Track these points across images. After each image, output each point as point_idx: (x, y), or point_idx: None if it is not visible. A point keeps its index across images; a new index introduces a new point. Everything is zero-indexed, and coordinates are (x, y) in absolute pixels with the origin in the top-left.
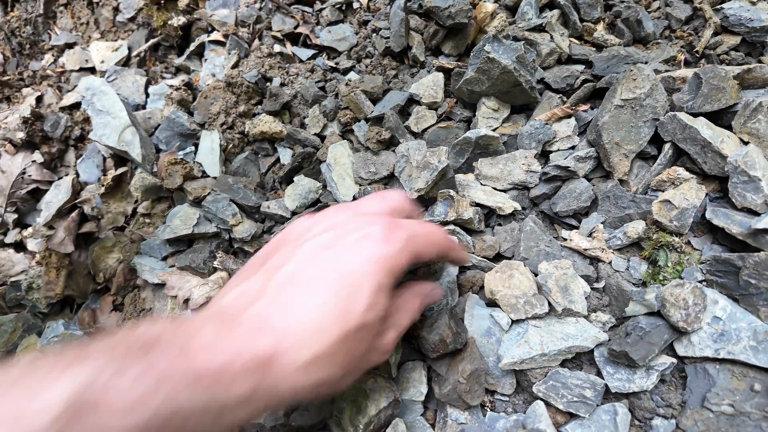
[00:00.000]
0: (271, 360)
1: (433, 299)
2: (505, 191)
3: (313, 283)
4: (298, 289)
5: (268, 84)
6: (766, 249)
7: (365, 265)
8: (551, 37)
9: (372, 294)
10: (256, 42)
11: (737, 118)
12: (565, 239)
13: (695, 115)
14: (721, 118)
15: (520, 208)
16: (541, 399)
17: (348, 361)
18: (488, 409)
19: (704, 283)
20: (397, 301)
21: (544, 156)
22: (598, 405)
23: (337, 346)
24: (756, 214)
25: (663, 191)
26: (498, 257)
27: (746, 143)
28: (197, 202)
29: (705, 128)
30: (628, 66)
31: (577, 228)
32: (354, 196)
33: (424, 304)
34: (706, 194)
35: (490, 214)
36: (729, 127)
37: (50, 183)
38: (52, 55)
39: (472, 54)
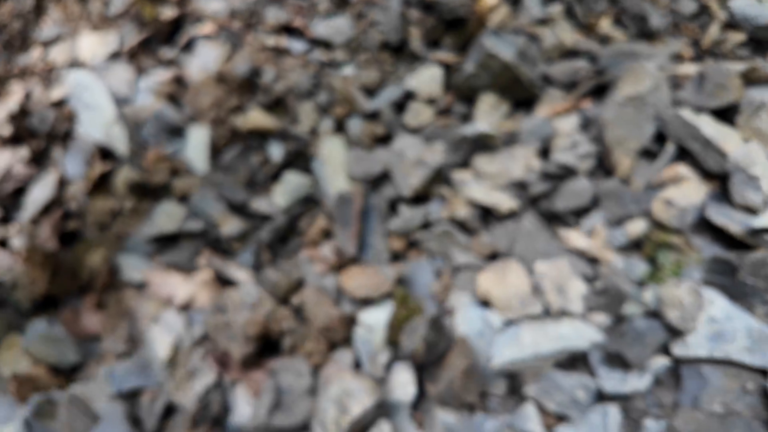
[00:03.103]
0: None
1: None
2: (503, 189)
3: None
4: None
5: (260, 78)
6: (763, 248)
7: None
8: (554, 31)
9: None
10: (250, 35)
11: (741, 116)
12: (564, 239)
13: (698, 111)
14: (725, 115)
15: (518, 207)
16: (533, 400)
17: None
18: (479, 411)
19: (703, 282)
20: None
21: (544, 153)
22: (589, 406)
23: None
24: (756, 212)
25: (664, 189)
26: (494, 256)
27: (749, 141)
28: (183, 199)
29: (707, 126)
30: (632, 62)
31: (576, 226)
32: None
33: None
34: (707, 193)
35: (487, 213)
36: (732, 123)
37: (36, 179)
38: (42, 49)
39: (472, 48)
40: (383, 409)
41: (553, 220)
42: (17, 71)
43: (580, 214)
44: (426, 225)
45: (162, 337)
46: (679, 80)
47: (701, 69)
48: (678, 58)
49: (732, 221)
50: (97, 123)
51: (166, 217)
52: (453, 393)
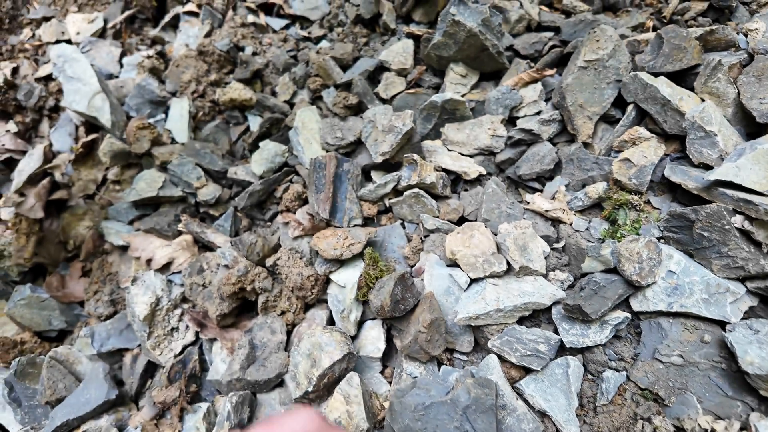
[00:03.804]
0: None
1: None
2: (471, 156)
3: None
4: None
5: (240, 53)
6: (718, 201)
7: None
8: (521, 4)
9: None
10: (230, 12)
11: (698, 78)
12: (528, 202)
13: (656, 74)
14: (685, 79)
15: (485, 173)
16: (495, 353)
17: None
18: (445, 365)
19: (662, 240)
20: None
21: (511, 122)
22: (551, 359)
23: None
24: (712, 168)
25: (624, 151)
26: (462, 220)
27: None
28: (164, 167)
29: (665, 86)
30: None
31: (540, 191)
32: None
33: None
34: (667, 154)
35: (457, 179)
36: (692, 89)
37: (24, 153)
38: (31, 29)
39: (439, 18)
40: (354, 362)
41: (519, 184)
42: (7, 50)
43: (544, 178)
44: (398, 191)
45: (140, 296)
46: (639, 45)
47: (659, 32)
48: (641, 28)
49: (689, 178)
50: (81, 94)
51: (146, 183)
52: (419, 346)
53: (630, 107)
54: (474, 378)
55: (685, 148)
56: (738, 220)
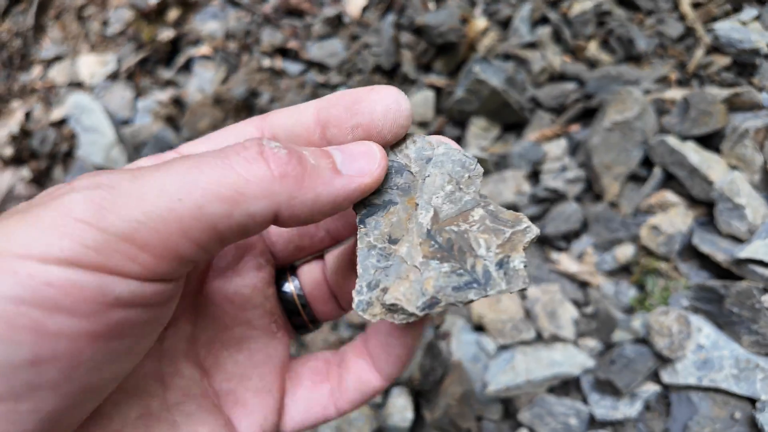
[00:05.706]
0: None
1: None
2: None
3: None
4: None
5: (256, 99)
6: (748, 278)
7: None
8: (543, 54)
9: None
10: (245, 56)
11: (725, 143)
12: (555, 262)
13: (684, 138)
14: (710, 141)
15: None
16: (526, 426)
17: None
18: None
19: (690, 309)
20: None
21: (534, 176)
22: None
23: None
24: (741, 241)
25: (652, 215)
26: None
27: (734, 168)
28: None
29: (693, 153)
30: (619, 86)
31: (566, 250)
32: None
33: None
34: (694, 219)
35: None
36: (717, 150)
37: None
38: (42, 68)
39: (461, 74)
40: None
41: (545, 243)
42: (18, 89)
43: (570, 237)
44: None
45: None
46: (665, 105)
47: (686, 95)
48: (664, 81)
49: (718, 250)
50: (97, 146)
51: None
52: (450, 419)
53: (657, 169)
54: None
55: (713, 213)
56: None
